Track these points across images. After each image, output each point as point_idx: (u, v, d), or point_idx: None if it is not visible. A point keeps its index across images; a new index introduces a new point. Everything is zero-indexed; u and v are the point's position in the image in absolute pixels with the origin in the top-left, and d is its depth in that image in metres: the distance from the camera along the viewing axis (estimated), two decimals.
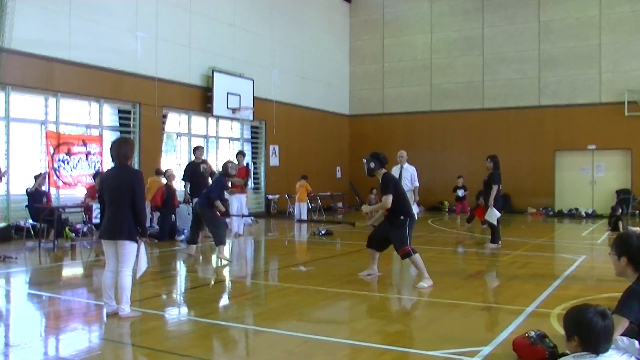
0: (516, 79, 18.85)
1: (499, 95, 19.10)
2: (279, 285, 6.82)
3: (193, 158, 11.44)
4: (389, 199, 6.44)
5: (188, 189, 11.06)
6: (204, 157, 12.12)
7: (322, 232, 11.76)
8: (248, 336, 4.72)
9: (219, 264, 7.91)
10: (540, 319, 4.88)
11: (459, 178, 15.24)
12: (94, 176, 11.02)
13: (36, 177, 10.64)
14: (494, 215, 9.41)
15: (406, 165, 10.35)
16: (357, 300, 6.06)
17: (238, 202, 11.54)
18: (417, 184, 10.38)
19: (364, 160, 6.67)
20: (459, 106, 19.67)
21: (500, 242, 9.70)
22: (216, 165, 14.53)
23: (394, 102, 20.75)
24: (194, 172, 11.02)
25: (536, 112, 18.49)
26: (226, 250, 8.27)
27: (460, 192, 16.08)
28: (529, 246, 10.09)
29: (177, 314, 5.46)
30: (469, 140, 19.54)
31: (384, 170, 6.64)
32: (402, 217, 6.50)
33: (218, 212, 8.28)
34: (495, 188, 9.43)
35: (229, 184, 11.44)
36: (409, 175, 10.28)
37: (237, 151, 12.53)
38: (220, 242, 8.13)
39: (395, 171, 10.30)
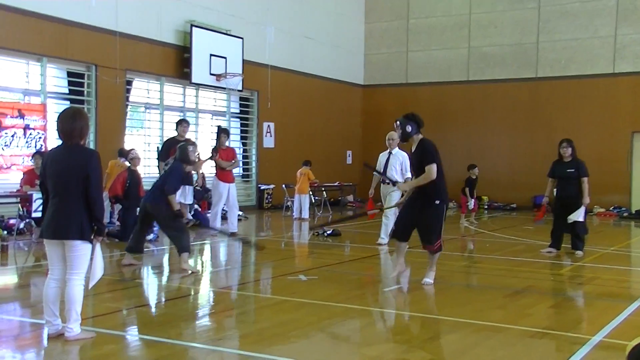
0: (583, 38, 18.62)
1: (559, 60, 18.93)
2: (272, 299, 6.79)
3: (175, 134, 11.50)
4: (433, 169, 6.74)
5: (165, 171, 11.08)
6: (188, 136, 12.12)
7: (328, 232, 11.73)
8: None
9: (186, 275, 7.76)
10: (611, 353, 4.82)
11: (473, 168, 15.03)
12: (33, 156, 10.94)
13: None
14: (580, 214, 9.56)
15: (396, 150, 10.41)
16: (370, 319, 6.04)
17: (227, 193, 11.53)
18: (408, 174, 10.36)
19: (398, 123, 7.03)
20: (504, 75, 19.53)
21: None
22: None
23: (421, 70, 20.64)
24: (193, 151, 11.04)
25: (609, 82, 18.27)
26: (190, 260, 8.06)
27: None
28: (596, 256, 10.00)
29: (141, 334, 5.40)
30: (516, 120, 19.40)
31: (421, 136, 6.99)
32: (437, 202, 6.80)
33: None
34: (586, 181, 9.64)
35: (200, 171, 11.46)
36: (398, 163, 10.32)
37: (218, 129, 12.45)
38: (183, 248, 7.92)
39: (382, 158, 10.48)
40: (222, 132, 12.00)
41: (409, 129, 6.94)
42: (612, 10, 18.23)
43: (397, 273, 7.27)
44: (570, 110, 18.65)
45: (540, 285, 7.76)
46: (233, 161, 11.77)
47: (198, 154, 9.10)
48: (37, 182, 10.17)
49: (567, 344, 5.16)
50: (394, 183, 8.10)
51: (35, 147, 11.95)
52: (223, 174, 11.54)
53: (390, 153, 10.42)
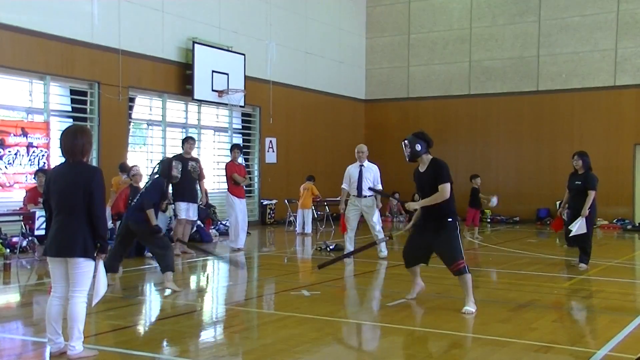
0: (584, 52, 18.67)
1: (560, 73, 18.96)
2: (275, 314, 6.76)
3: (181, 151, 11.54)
4: (447, 188, 6.56)
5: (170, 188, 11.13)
6: (195, 154, 12.19)
7: (331, 247, 11.71)
8: None
9: (169, 294, 7.59)
10: None
11: (476, 178, 15.01)
12: (36, 174, 10.96)
13: None
14: (582, 227, 9.54)
15: (367, 163, 10.61)
16: (373, 334, 6.02)
17: (241, 210, 11.60)
18: (380, 186, 10.61)
19: (406, 142, 6.80)
20: (506, 89, 19.58)
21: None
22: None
23: (422, 84, 20.69)
24: (181, 168, 11.05)
25: (610, 94, 18.30)
26: (172, 280, 7.78)
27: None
28: (600, 269, 9.95)
29: (144, 352, 5.37)
30: (519, 133, 19.40)
31: (430, 155, 6.80)
32: (450, 220, 6.60)
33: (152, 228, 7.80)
34: (592, 194, 9.57)
35: (199, 187, 11.49)
36: (371, 176, 10.43)
37: (232, 145, 12.56)
38: (167, 267, 7.73)
39: (354, 170, 10.59)
40: (236, 148, 12.03)
41: (418, 147, 6.72)
42: (612, 23, 18.29)
43: (415, 295, 7.13)
44: (573, 123, 18.66)
45: (545, 299, 7.72)
46: (244, 177, 11.82)
47: (180, 170, 8.55)
48: (40, 200, 10.22)
49: (572, 359, 5.13)
50: (390, 196, 7.93)
51: (39, 165, 11.97)
52: (236, 190, 11.59)
53: (361, 166, 10.54)
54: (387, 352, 5.49)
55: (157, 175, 8.20)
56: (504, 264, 10.53)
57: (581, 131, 18.40)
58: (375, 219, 10.62)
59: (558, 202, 16.49)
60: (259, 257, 11.86)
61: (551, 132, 18.80)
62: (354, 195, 10.63)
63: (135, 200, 8.09)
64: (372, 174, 10.52)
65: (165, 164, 8.23)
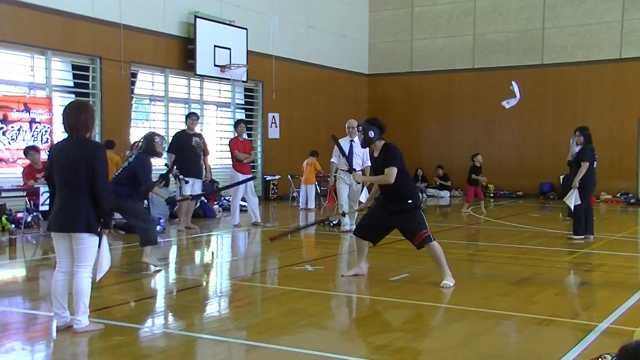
0: (589, 24, 18.48)
1: (565, 46, 18.79)
2: (279, 289, 6.80)
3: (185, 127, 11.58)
4: (393, 172, 6.53)
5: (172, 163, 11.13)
6: (198, 130, 12.15)
7: (334, 222, 11.74)
8: (239, 354, 4.69)
9: (153, 270, 7.43)
10: (618, 339, 4.76)
11: (477, 156, 14.96)
12: (27, 152, 10.83)
13: None
14: (574, 199, 9.67)
15: (357, 139, 10.31)
16: (377, 307, 6.06)
17: (245, 185, 11.40)
18: (369, 162, 10.34)
19: (360, 128, 6.83)
20: (510, 62, 19.43)
21: (584, 235, 9.95)
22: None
23: (426, 58, 20.55)
24: (185, 144, 11.09)
25: (616, 67, 18.17)
26: (153, 255, 7.63)
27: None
28: (603, 243, 9.98)
29: (149, 326, 5.43)
30: (523, 107, 19.19)
31: (383, 141, 6.79)
32: (410, 201, 6.63)
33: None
34: (585, 166, 9.66)
35: (203, 162, 11.48)
36: (361, 152, 10.27)
37: (236, 120, 12.50)
38: (148, 242, 7.45)
39: (344, 145, 10.36)
40: (240, 123, 11.98)
41: (371, 134, 6.68)
42: None
43: (352, 273, 7.07)
44: (577, 97, 18.56)
45: (547, 273, 7.74)
46: (250, 154, 11.77)
47: (164, 144, 8.22)
48: (39, 175, 10.22)
49: (573, 331, 5.16)
50: (351, 169, 7.79)
51: (42, 140, 11.97)
52: (240, 166, 11.57)
53: (352, 141, 10.49)
54: (390, 325, 5.52)
55: (141, 151, 7.79)
56: (507, 238, 10.56)
57: (585, 105, 18.31)
58: (362, 197, 10.40)
59: (562, 177, 16.53)
60: (262, 232, 11.90)
61: (555, 105, 18.71)
62: (342, 170, 10.57)
63: (118, 174, 7.73)
64: (362, 149, 10.42)
65: (149, 140, 7.77)
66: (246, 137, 12.32)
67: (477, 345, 4.74)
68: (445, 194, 19.35)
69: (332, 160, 11.03)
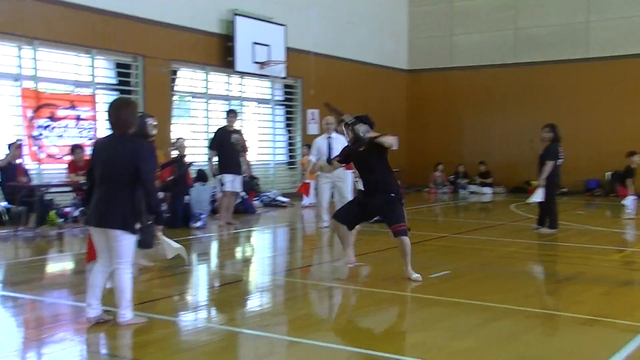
0: (637, 16, 17.94)
1: (611, 40, 18.26)
2: (318, 285, 6.82)
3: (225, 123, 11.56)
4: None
5: (215, 160, 11.26)
6: (237, 126, 12.15)
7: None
8: (280, 349, 4.72)
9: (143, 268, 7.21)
10: None
11: (633, 155, 14.35)
12: (74, 149, 11.07)
13: (9, 147, 10.61)
14: (539, 195, 10.01)
15: (335, 134, 10.38)
16: (416, 305, 6.03)
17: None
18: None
19: (347, 125, 6.98)
20: (553, 56, 19.00)
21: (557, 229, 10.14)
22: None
23: (466, 53, 20.27)
24: (224, 140, 11.14)
25: None
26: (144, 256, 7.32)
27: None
28: None
29: (192, 320, 5.50)
30: (567, 102, 18.88)
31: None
32: (393, 195, 6.77)
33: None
34: (550, 164, 9.88)
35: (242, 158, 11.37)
36: (340, 147, 10.01)
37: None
38: (145, 244, 7.04)
39: (322, 142, 10.42)
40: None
41: (363, 131, 6.83)
42: None
43: (342, 263, 7.12)
44: (627, 92, 18.03)
45: (593, 271, 7.57)
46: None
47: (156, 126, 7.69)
48: (81, 172, 10.42)
49: (619, 332, 5.04)
50: (330, 161, 7.87)
51: (87, 137, 12.23)
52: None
53: (329, 137, 10.46)
54: (430, 323, 5.46)
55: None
56: (550, 236, 10.35)
57: (636, 100, 17.85)
58: (348, 192, 10.27)
59: (609, 173, 16.13)
60: (303, 228, 11.93)
61: (602, 100, 18.24)
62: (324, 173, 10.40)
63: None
64: (341, 144, 10.01)
65: (142, 122, 7.12)
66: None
67: (516, 345, 4.67)
68: (488, 190, 19.10)
69: (310, 157, 10.85)
